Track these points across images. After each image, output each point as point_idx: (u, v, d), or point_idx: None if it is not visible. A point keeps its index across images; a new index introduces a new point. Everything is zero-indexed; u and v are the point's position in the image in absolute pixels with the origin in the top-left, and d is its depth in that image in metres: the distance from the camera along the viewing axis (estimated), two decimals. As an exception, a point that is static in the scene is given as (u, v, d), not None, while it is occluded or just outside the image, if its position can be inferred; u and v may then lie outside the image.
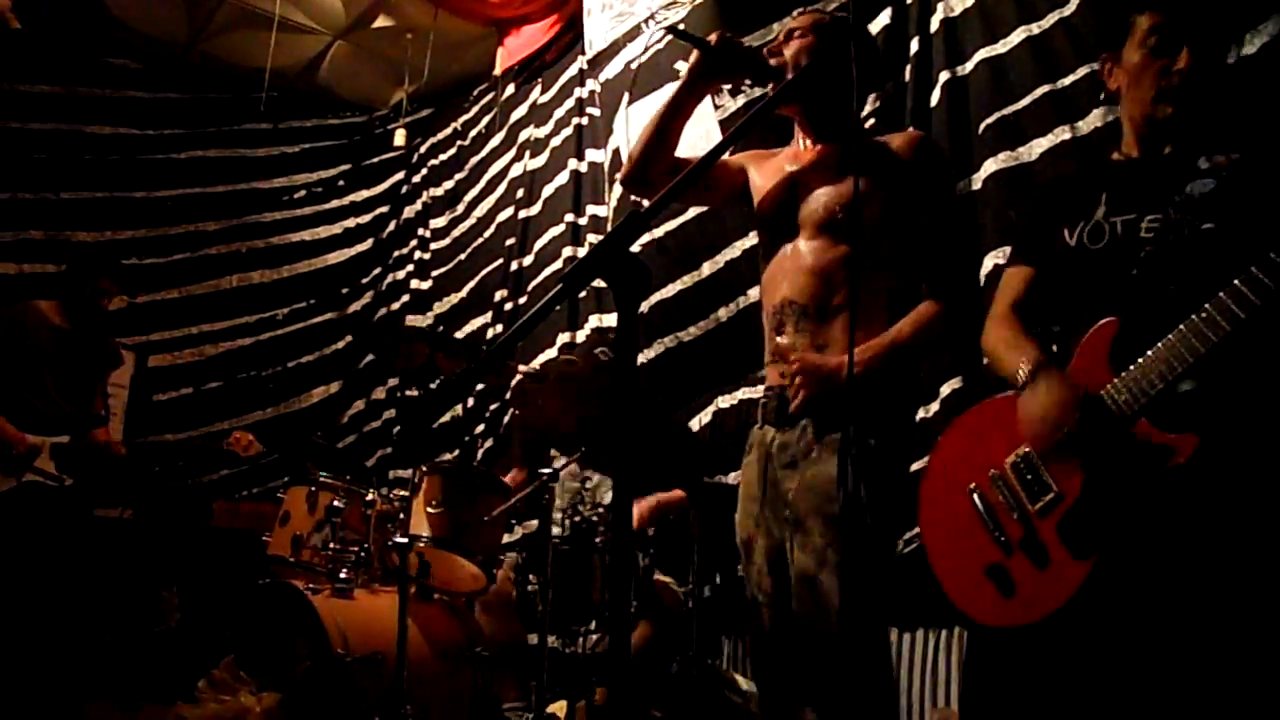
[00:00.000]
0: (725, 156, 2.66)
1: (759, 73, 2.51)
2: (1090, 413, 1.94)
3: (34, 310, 4.66)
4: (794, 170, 2.52)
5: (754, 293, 4.38)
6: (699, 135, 4.74)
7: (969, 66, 3.73)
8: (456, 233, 6.83)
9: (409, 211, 7.41)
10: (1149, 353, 1.90)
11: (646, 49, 5.22)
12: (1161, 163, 2.12)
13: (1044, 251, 2.24)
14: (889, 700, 2.36)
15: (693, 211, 4.68)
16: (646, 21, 5.27)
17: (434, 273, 6.93)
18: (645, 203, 2.64)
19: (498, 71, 6.49)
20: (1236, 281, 1.80)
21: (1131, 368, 1.92)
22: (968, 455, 2.19)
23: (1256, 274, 1.78)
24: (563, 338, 5.39)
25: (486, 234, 6.49)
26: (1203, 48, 2.09)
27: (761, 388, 2.54)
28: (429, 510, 3.53)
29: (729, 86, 4.62)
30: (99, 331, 4.83)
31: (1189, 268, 1.97)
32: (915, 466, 3.52)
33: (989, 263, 3.47)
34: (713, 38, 2.46)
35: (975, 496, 2.14)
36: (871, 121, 3.97)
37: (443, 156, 7.18)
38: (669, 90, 2.77)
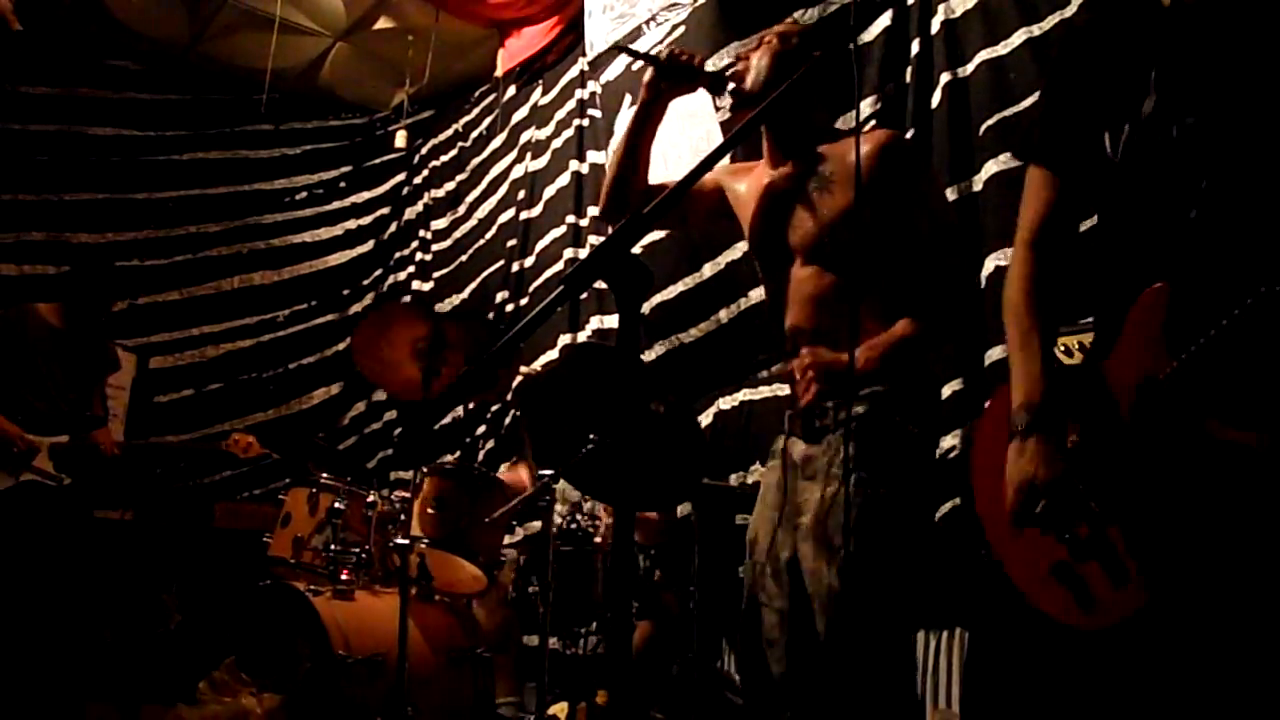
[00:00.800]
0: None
1: (712, 84, 2.51)
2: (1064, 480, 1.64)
3: (32, 312, 4.67)
4: (774, 191, 2.49)
5: (755, 294, 4.37)
6: (699, 137, 4.75)
7: (970, 68, 3.73)
8: (458, 234, 6.83)
9: (410, 213, 7.42)
10: (1212, 331, 1.48)
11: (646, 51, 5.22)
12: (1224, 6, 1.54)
13: (1073, 151, 1.71)
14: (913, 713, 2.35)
15: (694, 213, 4.68)
16: (648, 23, 5.27)
17: (435, 274, 6.93)
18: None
19: (499, 73, 6.50)
20: None
21: (1193, 348, 1.51)
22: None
23: None
24: (564, 339, 5.39)
25: (488, 235, 6.50)
26: None
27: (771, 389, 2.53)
28: (430, 512, 3.53)
29: (731, 87, 4.61)
30: (97, 335, 4.83)
31: (1266, 198, 1.48)
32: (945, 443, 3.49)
33: (990, 264, 3.47)
34: (662, 53, 2.48)
35: None
36: (872, 124, 3.97)
37: (444, 158, 7.19)
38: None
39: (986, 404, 2.00)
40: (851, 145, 2.33)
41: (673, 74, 2.47)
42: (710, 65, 2.52)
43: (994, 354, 3.38)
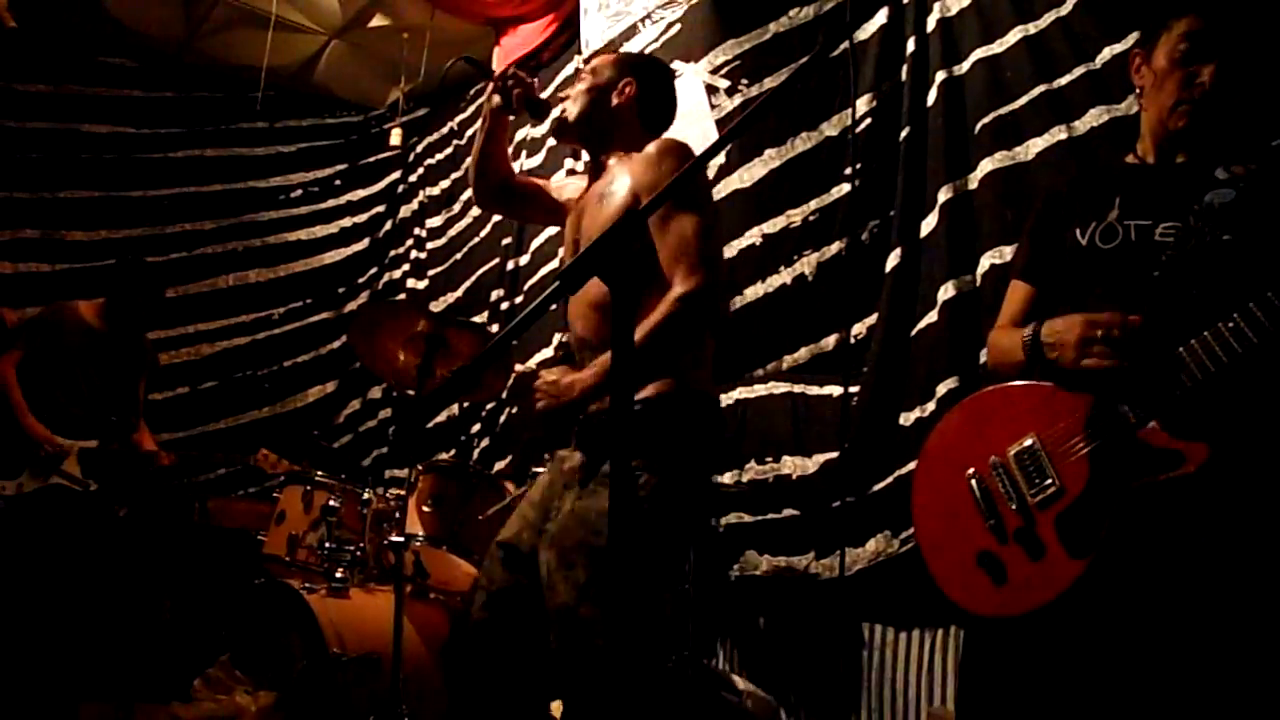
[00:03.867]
0: (559, 181, 2.97)
1: (535, 110, 2.81)
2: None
3: (70, 311, 4.63)
4: (577, 202, 2.70)
5: (750, 292, 4.37)
6: (697, 136, 4.74)
7: (966, 66, 3.73)
8: (452, 232, 6.82)
9: (405, 211, 7.40)
10: (1169, 356, 1.89)
11: (643, 49, 5.21)
12: (1176, 171, 2.12)
13: (1048, 267, 2.24)
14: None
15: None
16: (643, 21, 5.27)
17: (430, 272, 6.92)
18: (643, 202, 2.68)
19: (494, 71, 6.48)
20: (1269, 294, 1.79)
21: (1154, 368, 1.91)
22: (968, 441, 2.18)
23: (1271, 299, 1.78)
24: (558, 337, 5.38)
25: (482, 233, 6.49)
26: (1231, 62, 2.07)
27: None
28: (425, 509, 3.53)
29: (726, 85, 4.62)
30: (135, 333, 4.78)
31: (1212, 274, 1.95)
32: (909, 467, 3.54)
33: (985, 262, 3.47)
34: (506, 73, 2.78)
35: (973, 482, 2.12)
36: (868, 122, 3.97)
37: (439, 156, 7.17)
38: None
39: (941, 419, 2.31)
40: (640, 156, 2.50)
41: (504, 98, 2.78)
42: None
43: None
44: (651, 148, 2.48)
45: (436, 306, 6.72)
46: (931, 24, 3.85)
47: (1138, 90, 2.23)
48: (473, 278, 6.45)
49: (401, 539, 3.36)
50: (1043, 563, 1.97)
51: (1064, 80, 3.43)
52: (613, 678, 2.16)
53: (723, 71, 4.65)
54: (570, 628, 2.20)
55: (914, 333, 3.68)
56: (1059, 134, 3.39)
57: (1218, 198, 2.00)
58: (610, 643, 2.13)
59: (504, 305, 6.01)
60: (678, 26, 5.01)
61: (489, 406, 5.84)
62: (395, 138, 7.04)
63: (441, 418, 6.27)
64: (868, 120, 3.98)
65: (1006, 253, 3.39)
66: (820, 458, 3.82)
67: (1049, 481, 2.01)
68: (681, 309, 2.27)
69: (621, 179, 2.49)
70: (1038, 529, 2.00)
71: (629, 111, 2.67)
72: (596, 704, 2.18)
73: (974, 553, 2.08)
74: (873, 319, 3.79)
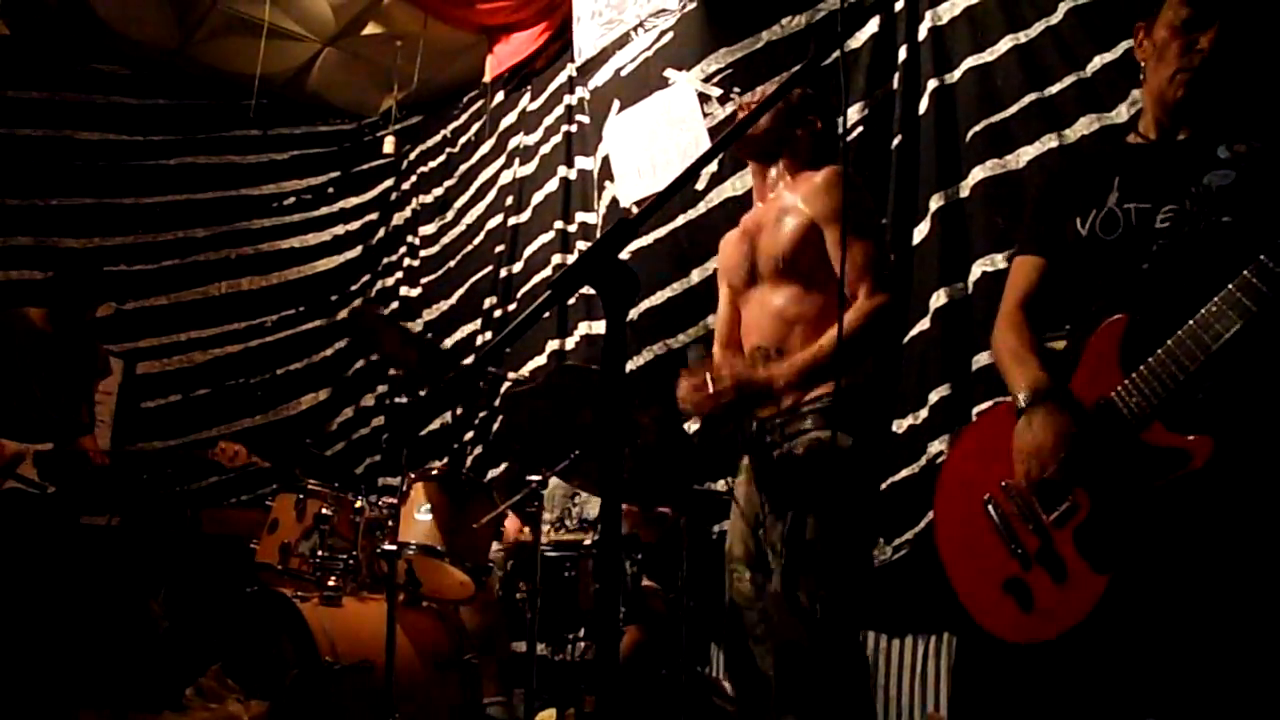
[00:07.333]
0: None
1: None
2: (1086, 439, 1.89)
3: (20, 317, 4.63)
4: (748, 224, 2.74)
5: (743, 300, 4.38)
6: (689, 142, 4.75)
7: (957, 75, 3.75)
8: (446, 240, 6.82)
9: (398, 218, 7.41)
10: (1159, 351, 1.83)
11: (635, 57, 5.23)
12: (1177, 149, 2.05)
13: (1055, 239, 2.16)
14: (864, 707, 2.48)
15: (681, 219, 4.69)
16: (635, 29, 5.28)
17: (423, 280, 6.92)
18: (635, 210, 2.74)
19: (487, 79, 6.50)
20: (1245, 272, 1.74)
21: (1142, 367, 1.86)
22: (981, 466, 2.12)
23: (1266, 262, 1.72)
24: (552, 345, 5.39)
25: (476, 241, 6.49)
26: (1232, 28, 1.99)
27: None
28: (417, 517, 3.53)
29: (718, 93, 4.64)
30: (86, 339, 4.80)
31: (1202, 261, 1.89)
32: (902, 474, 3.55)
33: (977, 270, 3.48)
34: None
35: (990, 508, 2.07)
36: (860, 130, 3.98)
37: (432, 164, 7.18)
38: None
39: (952, 447, 2.29)
40: (808, 181, 2.57)
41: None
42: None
43: (980, 359, 3.39)
44: (825, 173, 2.54)
45: (430, 314, 6.73)
46: (923, 32, 3.86)
47: (1140, 64, 2.15)
48: (466, 285, 6.46)
49: (394, 547, 3.36)
50: (1066, 584, 1.91)
51: (1055, 89, 3.45)
52: (821, 654, 2.36)
53: (715, 80, 4.67)
54: (779, 609, 2.42)
55: (906, 340, 3.69)
56: (1050, 142, 3.41)
57: (1216, 179, 1.94)
58: (814, 623, 2.34)
59: (497, 313, 6.01)
60: (670, 35, 5.02)
61: (482, 415, 5.84)
62: (388, 145, 7.04)
63: (434, 425, 6.26)
64: (859, 128, 3.99)
65: (998, 260, 3.40)
66: (813, 465, 3.82)
67: (1062, 497, 1.95)
68: (879, 315, 2.41)
69: (793, 200, 2.57)
70: (1057, 548, 1.93)
71: (808, 140, 2.70)
72: (808, 677, 2.39)
73: (1000, 581, 2.02)
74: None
